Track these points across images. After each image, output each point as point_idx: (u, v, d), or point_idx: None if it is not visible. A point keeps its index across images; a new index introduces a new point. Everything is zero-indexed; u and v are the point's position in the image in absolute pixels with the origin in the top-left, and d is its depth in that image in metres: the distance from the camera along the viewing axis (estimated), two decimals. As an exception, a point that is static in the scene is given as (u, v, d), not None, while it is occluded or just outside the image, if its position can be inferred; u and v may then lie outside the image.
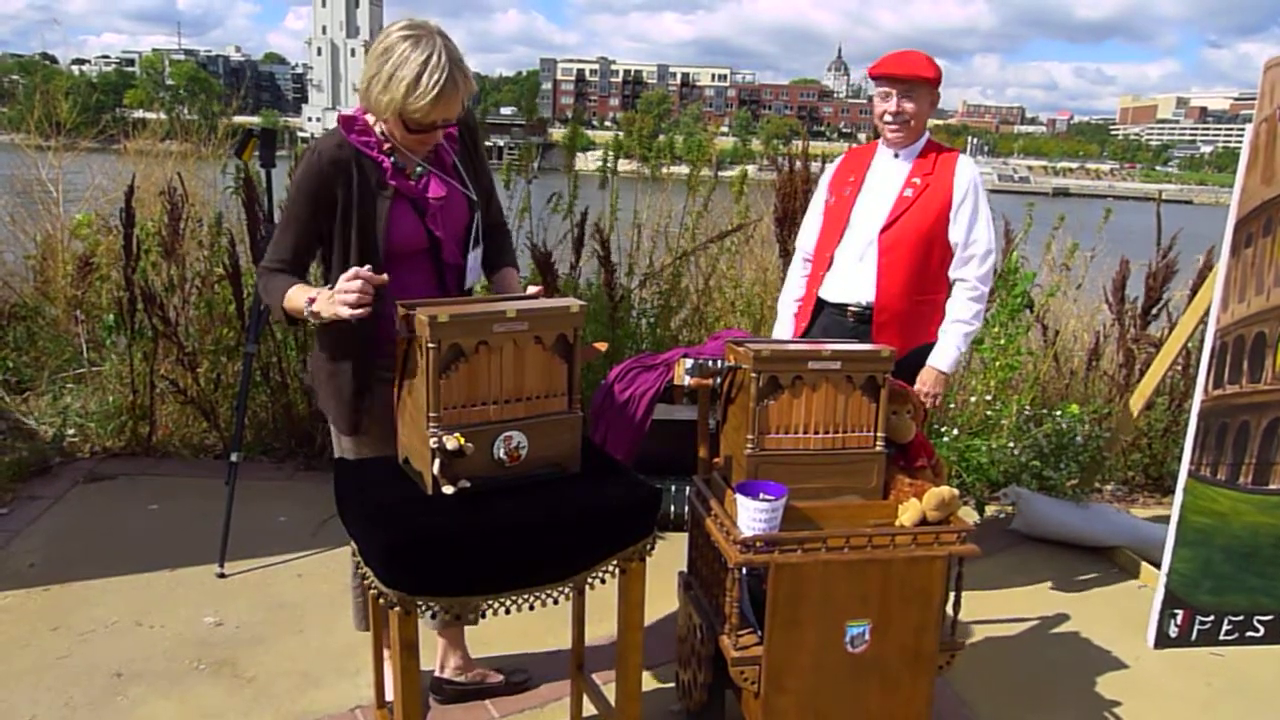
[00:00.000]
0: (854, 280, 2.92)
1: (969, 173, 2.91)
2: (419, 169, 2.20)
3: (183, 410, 4.32)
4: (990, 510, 4.10)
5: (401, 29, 2.03)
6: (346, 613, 2.79)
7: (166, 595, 3.12)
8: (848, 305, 2.94)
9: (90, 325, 4.58)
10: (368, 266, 1.98)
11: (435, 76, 1.99)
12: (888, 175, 2.95)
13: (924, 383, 2.90)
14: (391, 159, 2.16)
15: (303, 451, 4.28)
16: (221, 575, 3.25)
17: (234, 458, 3.41)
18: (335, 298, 1.95)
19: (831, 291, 2.97)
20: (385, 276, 1.98)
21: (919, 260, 2.89)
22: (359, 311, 1.93)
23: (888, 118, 2.88)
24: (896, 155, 2.95)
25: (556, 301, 2.11)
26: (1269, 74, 2.77)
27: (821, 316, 3.02)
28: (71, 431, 4.27)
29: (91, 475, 3.99)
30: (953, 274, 2.94)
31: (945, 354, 2.91)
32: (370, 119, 2.17)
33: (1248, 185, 2.88)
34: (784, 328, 3.14)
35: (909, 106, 2.84)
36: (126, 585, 3.15)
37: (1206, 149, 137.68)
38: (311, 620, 3.01)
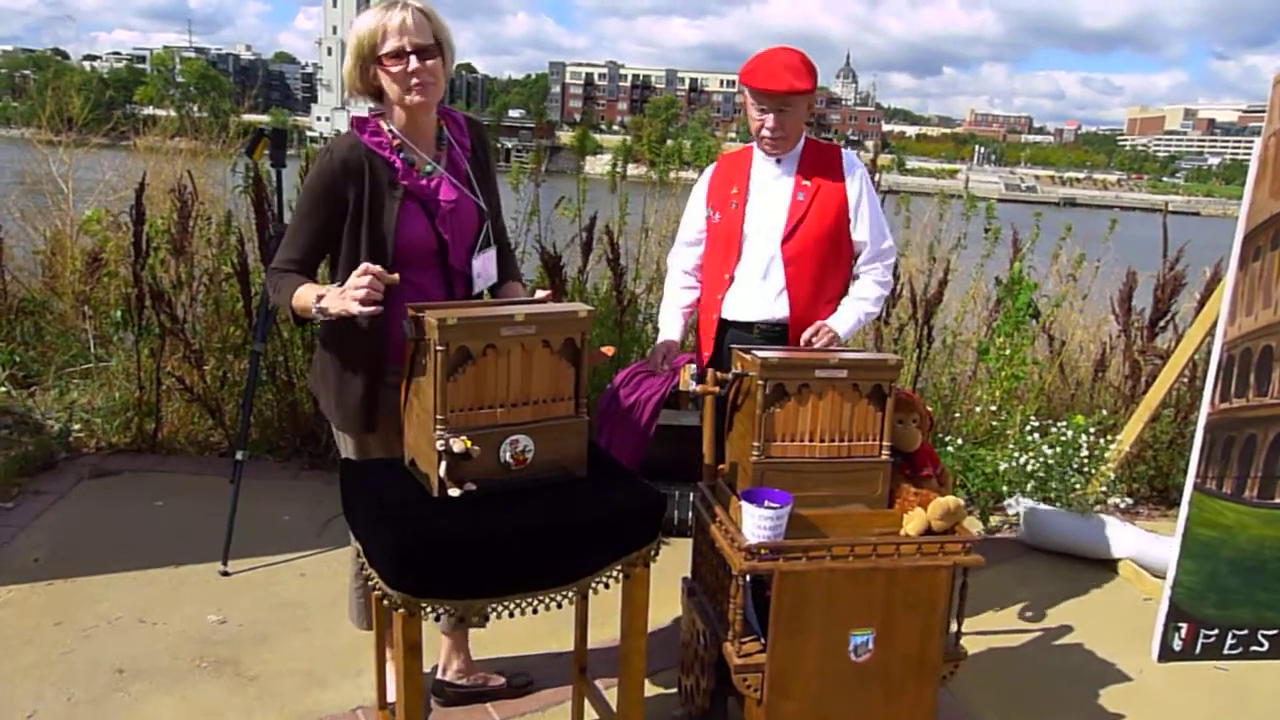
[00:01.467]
0: (760, 298, 2.76)
1: (857, 168, 2.80)
2: (429, 168, 2.21)
3: (188, 407, 4.33)
4: (994, 520, 4.09)
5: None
6: (348, 611, 2.79)
7: (170, 592, 3.12)
8: (754, 323, 2.78)
9: (98, 321, 4.60)
10: (384, 274, 1.99)
11: (379, 4, 2.11)
12: (773, 183, 2.78)
13: (817, 330, 2.69)
14: (402, 156, 2.17)
15: (307, 450, 4.28)
16: (225, 573, 3.26)
17: (239, 456, 3.42)
18: (345, 294, 1.96)
19: (736, 311, 2.79)
20: (395, 276, 1.99)
21: (825, 265, 2.77)
22: (369, 309, 1.94)
23: (765, 132, 2.70)
24: (779, 161, 2.78)
25: (565, 306, 2.11)
26: (1278, 88, 2.77)
27: (725, 337, 2.82)
28: (78, 427, 4.28)
29: (97, 471, 4.00)
30: (861, 268, 2.85)
31: (844, 322, 2.75)
32: (382, 121, 2.19)
33: (1256, 198, 2.87)
34: (674, 329, 2.95)
35: (787, 123, 2.68)
36: (130, 581, 3.16)
37: (1214, 161, 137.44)
38: (315, 620, 3.02)
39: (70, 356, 4.64)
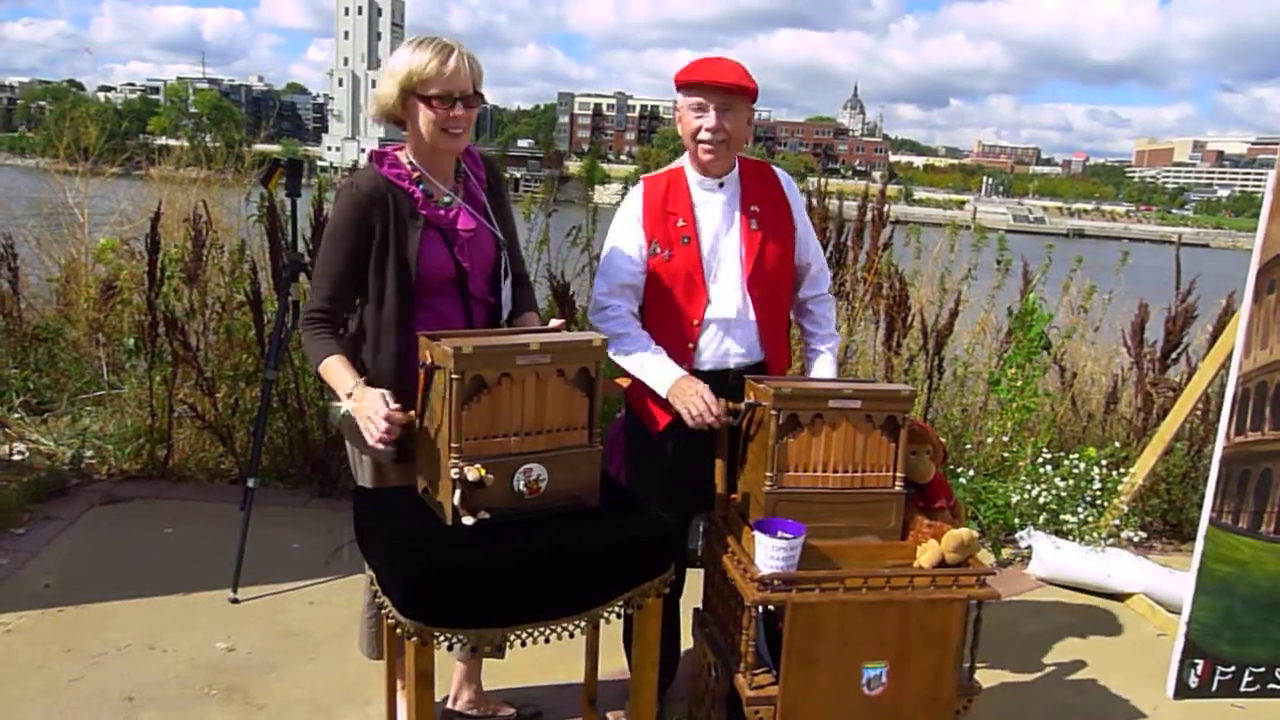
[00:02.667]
0: (736, 341, 2.50)
1: (793, 188, 2.62)
2: (447, 199, 2.24)
3: (199, 435, 4.34)
4: (1006, 553, 4.06)
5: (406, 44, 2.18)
6: (358, 641, 2.78)
7: (179, 619, 3.12)
8: (732, 370, 2.49)
9: (111, 348, 4.62)
10: (403, 416, 2.02)
11: (431, 41, 2.14)
12: (719, 210, 2.50)
13: None
14: (421, 187, 2.20)
15: (317, 479, 4.29)
16: (234, 600, 3.25)
17: (250, 483, 3.42)
18: (368, 424, 2.01)
19: (714, 359, 2.50)
20: (413, 415, 2.02)
21: (783, 296, 2.61)
22: (384, 449, 2.02)
23: (704, 135, 2.40)
24: (721, 185, 2.51)
25: (579, 335, 2.12)
26: (1291, 122, 2.77)
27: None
28: (89, 453, 4.29)
29: (108, 497, 4.00)
30: (807, 293, 2.67)
31: (829, 372, 2.64)
32: (400, 154, 2.22)
33: (1271, 231, 2.88)
34: (673, 367, 2.44)
35: (728, 124, 2.40)
36: (140, 608, 3.15)
37: (1223, 193, 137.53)
38: (323, 649, 3.00)
39: (83, 383, 4.67)
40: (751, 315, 2.50)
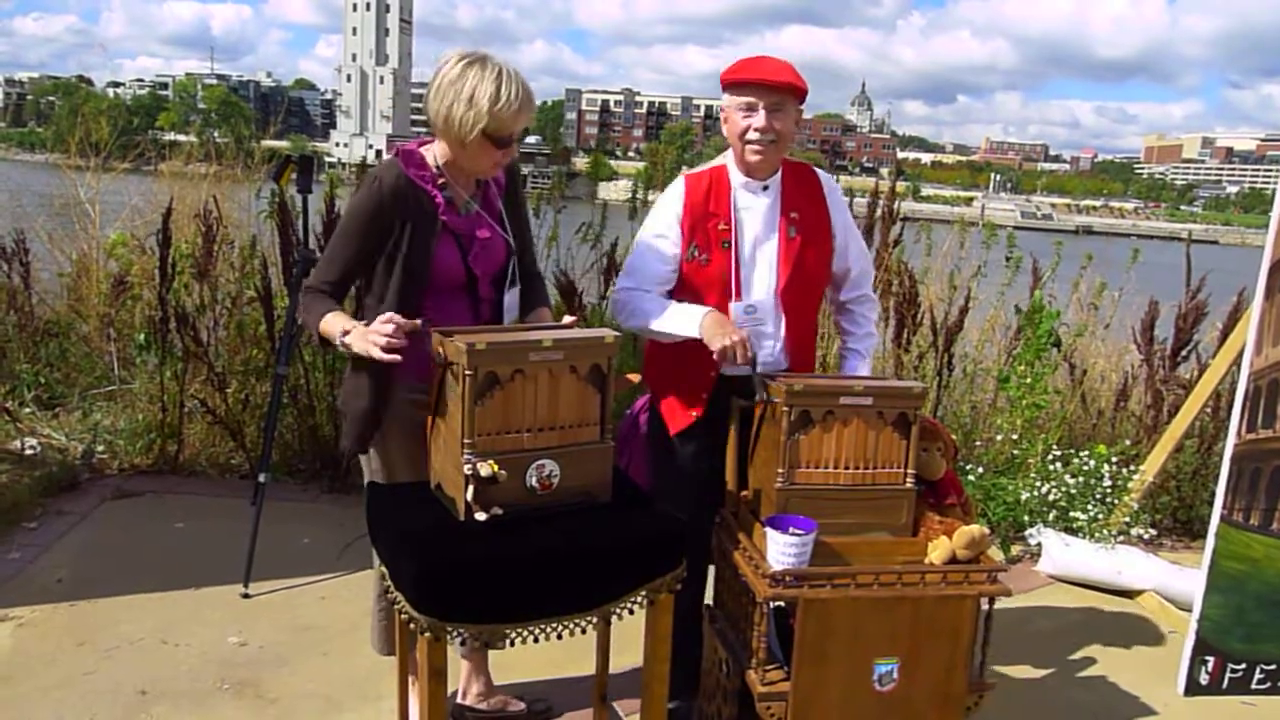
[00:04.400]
0: (763, 349, 2.47)
1: (835, 192, 2.58)
2: (467, 206, 2.26)
3: (210, 430, 4.36)
4: (1016, 550, 4.06)
5: (462, 58, 2.12)
6: (369, 636, 2.79)
7: (191, 614, 3.13)
8: (752, 376, 2.36)
9: (121, 344, 4.64)
10: (407, 322, 2.04)
11: (513, 87, 2.11)
12: (760, 216, 2.47)
13: None
14: (445, 193, 2.21)
15: (327, 474, 4.30)
16: (246, 595, 3.26)
17: (262, 478, 3.43)
18: (369, 336, 2.03)
19: (741, 365, 2.36)
20: (418, 321, 2.04)
21: (815, 302, 2.60)
22: (390, 357, 2.01)
23: (752, 135, 2.36)
24: (765, 189, 2.47)
25: (592, 332, 2.13)
26: (1305, 119, 2.76)
27: (720, 394, 2.48)
28: (101, 448, 4.31)
29: (119, 492, 4.02)
30: (848, 294, 2.66)
31: (861, 371, 2.64)
32: (426, 154, 2.23)
33: (1282, 229, 2.86)
34: (691, 309, 2.40)
35: (778, 124, 2.36)
36: (152, 603, 3.17)
37: (1233, 189, 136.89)
38: (335, 643, 3.02)
39: (94, 378, 4.69)
40: (782, 325, 2.49)
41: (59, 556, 3.45)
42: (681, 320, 2.38)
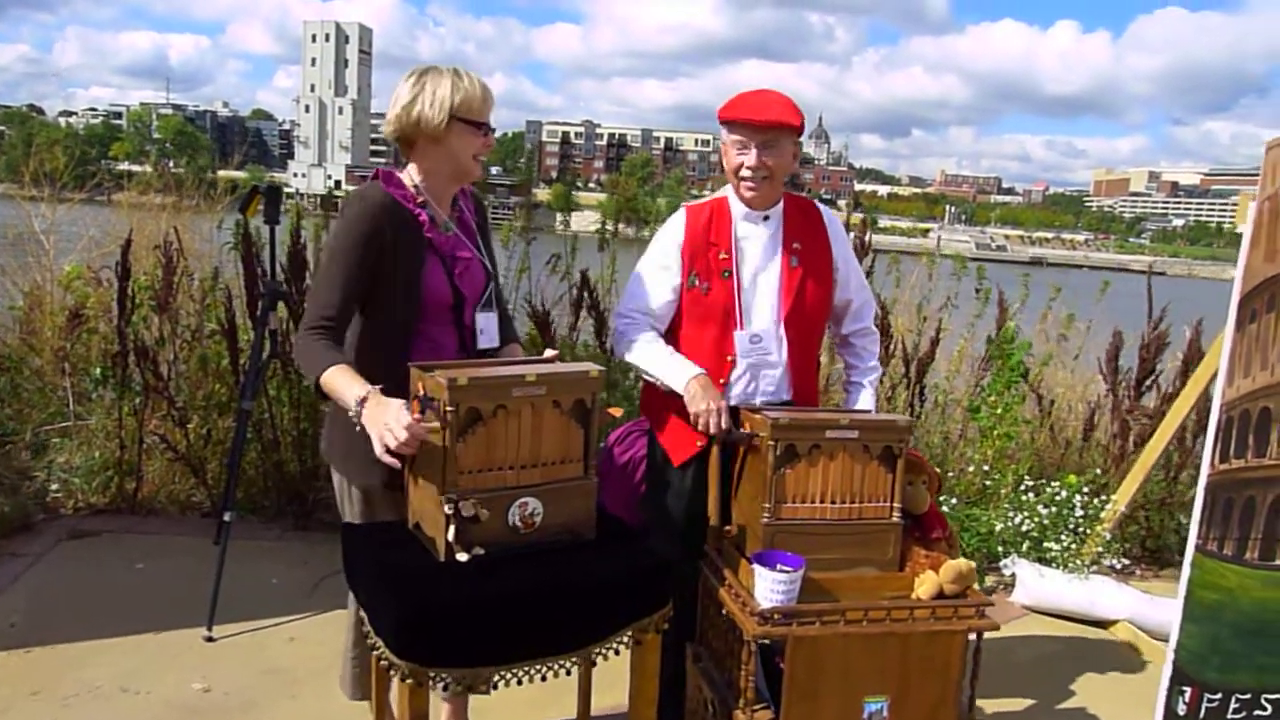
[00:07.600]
0: (767, 380, 2.49)
1: (836, 225, 2.61)
2: (446, 226, 2.23)
3: (170, 466, 4.24)
4: (990, 581, 4.06)
5: (414, 71, 2.17)
6: (339, 680, 2.70)
7: (153, 659, 3.02)
8: (760, 408, 2.40)
9: (77, 378, 4.51)
10: (423, 429, 1.88)
11: (470, 77, 2.15)
12: (760, 246, 2.49)
13: None
14: (426, 211, 2.18)
15: (292, 510, 4.20)
16: (209, 639, 3.15)
17: (226, 516, 3.33)
18: (384, 430, 1.85)
19: (744, 397, 2.48)
20: (437, 424, 1.88)
21: (817, 333, 2.62)
22: (389, 460, 1.88)
23: (745, 172, 2.41)
24: (765, 219, 2.50)
25: (576, 366, 2.09)
26: (1270, 154, 2.82)
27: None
28: (55, 487, 4.17)
29: (75, 532, 3.88)
30: (850, 327, 2.68)
31: (867, 405, 2.64)
32: (403, 176, 2.19)
33: (1251, 262, 2.90)
34: (689, 364, 2.43)
35: (770, 161, 2.39)
36: (111, 648, 3.05)
37: (1179, 222, 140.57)
38: (304, 687, 2.92)
39: (48, 414, 4.54)
40: (784, 355, 2.49)
41: (12, 601, 3.31)
42: (672, 373, 2.42)
